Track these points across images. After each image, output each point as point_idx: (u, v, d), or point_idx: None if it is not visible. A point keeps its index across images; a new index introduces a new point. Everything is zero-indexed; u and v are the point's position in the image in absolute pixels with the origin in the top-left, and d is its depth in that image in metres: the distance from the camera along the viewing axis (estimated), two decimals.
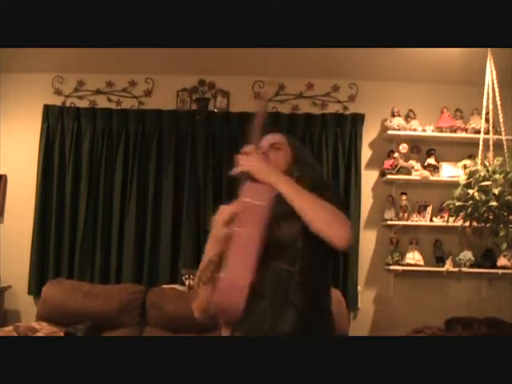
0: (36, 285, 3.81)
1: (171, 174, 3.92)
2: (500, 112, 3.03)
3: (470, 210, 2.78)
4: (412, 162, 3.92)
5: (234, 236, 1.47)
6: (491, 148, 3.07)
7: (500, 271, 3.75)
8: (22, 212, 3.96)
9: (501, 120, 3.04)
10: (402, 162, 3.89)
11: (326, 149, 3.93)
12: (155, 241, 3.88)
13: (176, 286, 3.62)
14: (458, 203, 2.83)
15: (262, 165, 1.58)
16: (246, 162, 1.57)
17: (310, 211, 1.49)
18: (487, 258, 3.82)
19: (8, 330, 3.12)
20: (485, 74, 3.08)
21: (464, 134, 3.91)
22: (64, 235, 3.88)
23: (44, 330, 3.18)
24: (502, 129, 3.04)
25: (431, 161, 3.93)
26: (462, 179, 2.91)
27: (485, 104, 3.09)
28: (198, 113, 3.99)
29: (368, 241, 3.97)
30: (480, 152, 3.04)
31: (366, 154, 4.02)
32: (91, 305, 3.46)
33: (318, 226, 1.48)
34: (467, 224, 2.86)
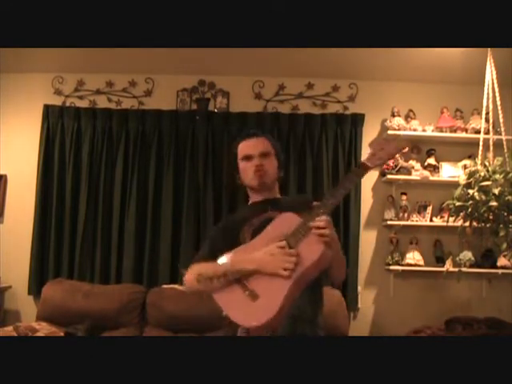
0: (36, 285, 3.81)
1: (171, 173, 3.92)
2: (500, 112, 3.03)
3: (470, 210, 2.78)
4: (412, 162, 3.91)
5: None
6: (491, 148, 3.07)
7: (500, 271, 3.75)
8: (22, 212, 3.96)
9: (501, 120, 3.04)
10: (402, 162, 3.88)
11: (326, 149, 3.93)
12: (155, 241, 3.87)
13: (176, 286, 3.61)
14: (458, 203, 2.83)
15: (333, 230, 1.65)
16: (330, 231, 1.61)
17: (338, 270, 1.78)
18: (487, 258, 3.82)
19: (8, 330, 3.12)
20: (485, 74, 3.08)
21: (464, 134, 3.91)
22: (64, 235, 3.88)
23: (44, 330, 3.18)
24: (502, 129, 3.05)
25: (431, 161, 3.93)
26: (462, 179, 2.91)
27: (485, 104, 3.09)
28: (197, 113, 3.99)
29: (368, 241, 3.97)
30: (480, 152, 3.04)
31: (365, 153, 4.00)
32: (91, 305, 3.45)
33: (335, 281, 1.84)
34: (467, 224, 2.86)
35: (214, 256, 1.74)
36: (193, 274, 1.75)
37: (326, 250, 1.58)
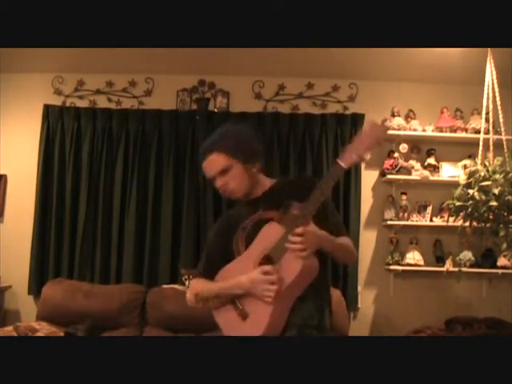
0: (36, 285, 3.81)
1: (171, 173, 3.92)
2: (500, 112, 3.03)
3: (470, 210, 2.78)
4: (412, 162, 3.92)
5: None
6: (491, 148, 3.07)
7: (500, 271, 3.75)
8: (22, 212, 3.96)
9: (501, 120, 3.04)
10: (402, 162, 3.89)
11: (326, 149, 3.93)
12: (155, 241, 3.87)
13: (176, 286, 3.61)
14: (458, 203, 2.84)
15: (314, 239, 1.63)
16: (305, 244, 1.58)
17: (344, 258, 1.83)
18: (487, 257, 3.82)
19: (8, 330, 3.12)
20: (485, 74, 3.08)
21: (464, 134, 3.91)
22: (64, 235, 3.88)
23: (44, 329, 3.18)
24: (502, 129, 3.05)
25: (431, 161, 3.93)
26: (462, 179, 2.91)
27: (485, 104, 3.09)
28: (197, 113, 3.99)
29: (368, 241, 3.97)
30: (480, 152, 3.04)
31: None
32: (91, 305, 3.46)
33: (344, 263, 1.97)
34: (467, 224, 2.86)
35: (211, 268, 1.82)
36: (192, 292, 1.85)
37: (305, 265, 1.59)
